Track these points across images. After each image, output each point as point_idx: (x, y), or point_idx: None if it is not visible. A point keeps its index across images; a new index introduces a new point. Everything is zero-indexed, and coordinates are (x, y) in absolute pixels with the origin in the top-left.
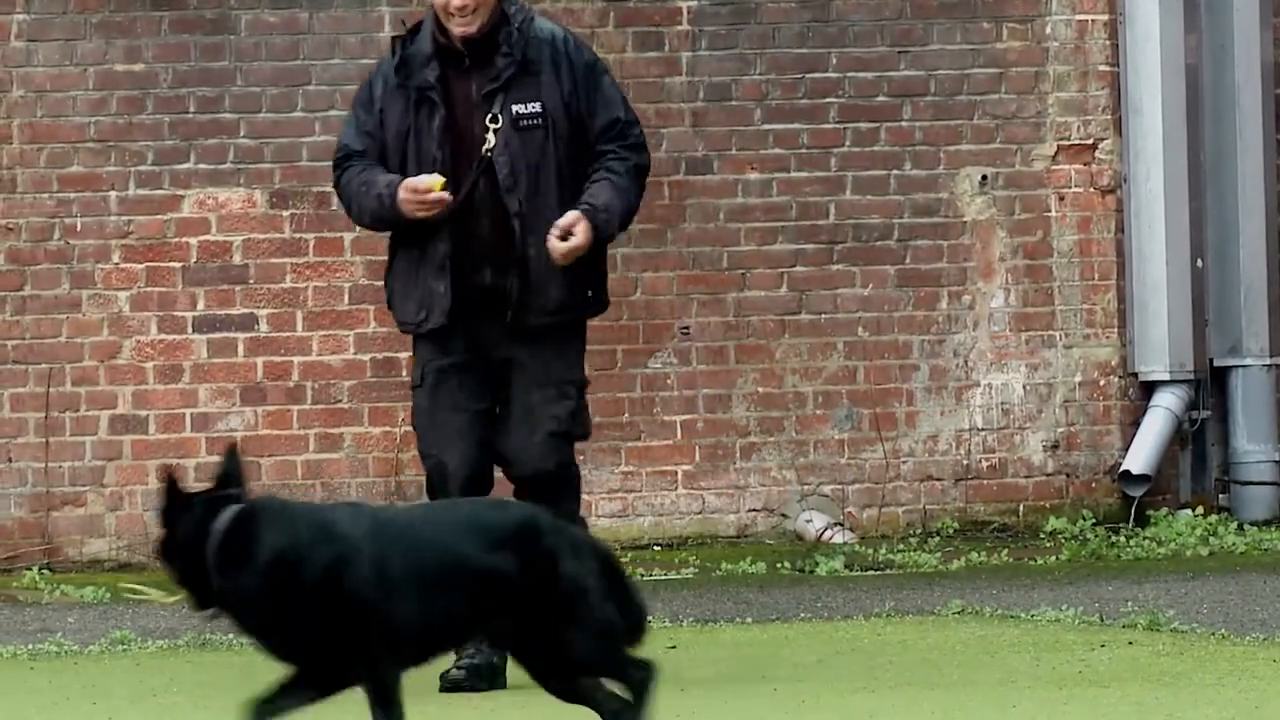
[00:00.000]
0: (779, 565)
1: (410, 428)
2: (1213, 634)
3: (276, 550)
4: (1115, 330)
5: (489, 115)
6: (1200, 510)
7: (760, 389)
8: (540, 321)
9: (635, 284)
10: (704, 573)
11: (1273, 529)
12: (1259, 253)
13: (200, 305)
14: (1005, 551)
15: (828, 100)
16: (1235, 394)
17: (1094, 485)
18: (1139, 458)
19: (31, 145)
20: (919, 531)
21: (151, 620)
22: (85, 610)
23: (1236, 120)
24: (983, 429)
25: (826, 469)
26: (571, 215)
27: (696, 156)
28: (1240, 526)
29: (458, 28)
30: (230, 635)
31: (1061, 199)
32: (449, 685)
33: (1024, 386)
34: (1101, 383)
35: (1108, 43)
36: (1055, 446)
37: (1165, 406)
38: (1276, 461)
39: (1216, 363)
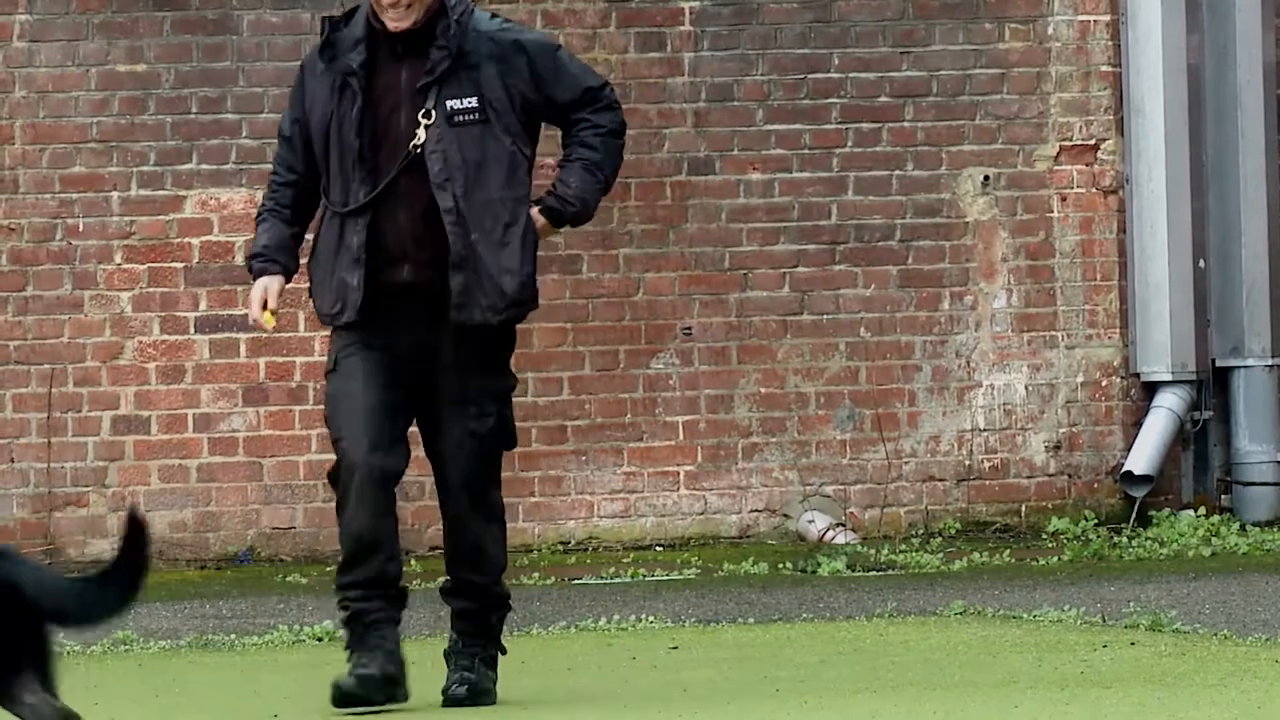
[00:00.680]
0: (781, 566)
1: None
2: (1215, 635)
3: None
4: (1117, 331)
5: (422, 110)
6: (1202, 511)
7: (762, 389)
8: (490, 319)
9: (637, 284)
10: (706, 573)
11: (1275, 529)
12: (1261, 253)
13: (202, 305)
14: (1007, 552)
15: (830, 101)
16: (1237, 394)
17: (1096, 486)
18: (1141, 458)
19: (34, 145)
20: (921, 532)
21: (154, 621)
22: None
23: (1239, 120)
24: (985, 429)
25: (828, 469)
26: (531, 213)
27: (699, 157)
28: (1242, 527)
29: (391, 21)
30: (232, 637)
31: (1064, 199)
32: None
33: (1026, 387)
34: (1103, 383)
35: (1110, 43)
36: (1057, 447)
37: (1167, 407)
38: (1278, 462)
39: (1219, 363)
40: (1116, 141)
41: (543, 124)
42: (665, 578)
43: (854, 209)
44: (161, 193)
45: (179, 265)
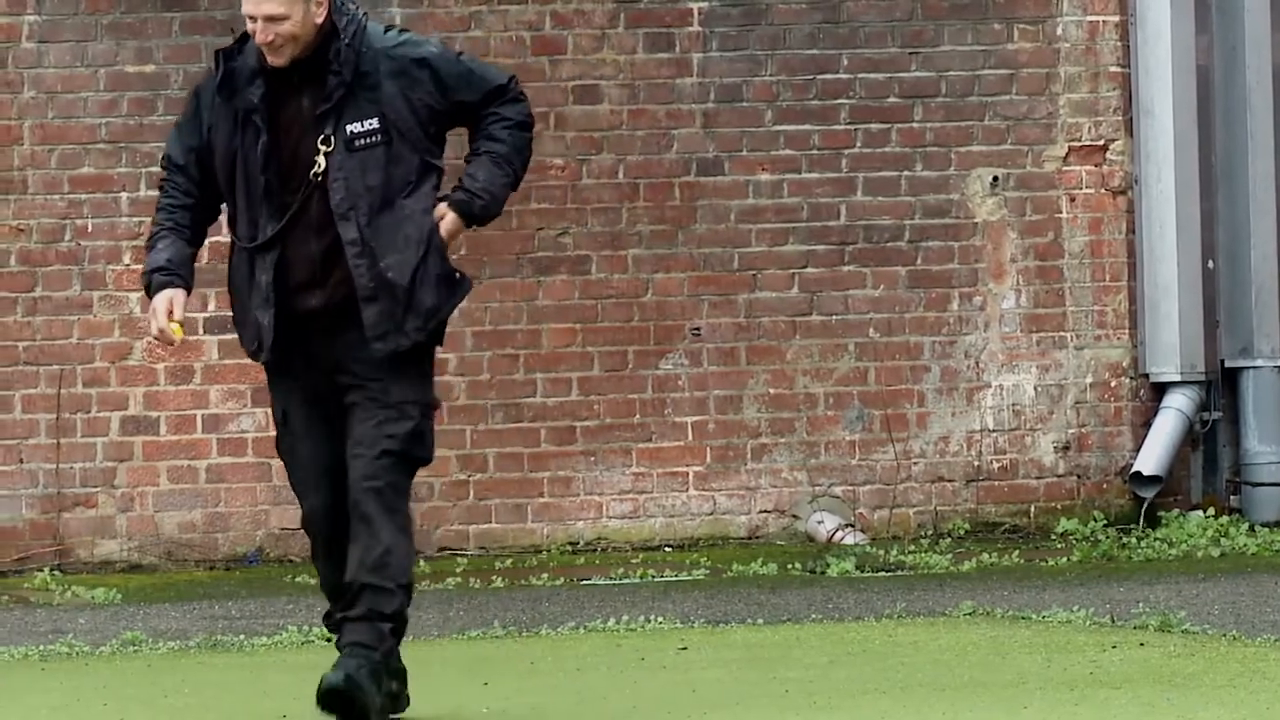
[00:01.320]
0: (790, 566)
1: None
2: (1224, 635)
3: None
4: (1126, 331)
5: (320, 137)
6: (1211, 511)
7: (771, 390)
8: (413, 339)
9: (646, 285)
10: (715, 574)
11: None
12: (1270, 254)
13: (211, 306)
14: (1016, 553)
15: (839, 101)
16: (1246, 395)
17: (1105, 486)
18: (1150, 459)
19: (42, 146)
20: (930, 533)
21: (163, 621)
22: (96, 611)
23: (1248, 122)
24: (994, 430)
25: (837, 470)
26: (439, 209)
27: (707, 157)
28: (1251, 527)
29: (270, 58)
30: (242, 637)
31: (1072, 200)
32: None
33: (1035, 388)
34: (1112, 384)
35: (1119, 44)
36: (1066, 448)
37: (1176, 408)
38: None
39: (1227, 364)
40: (1125, 142)
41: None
42: (674, 578)
43: (863, 209)
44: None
45: None
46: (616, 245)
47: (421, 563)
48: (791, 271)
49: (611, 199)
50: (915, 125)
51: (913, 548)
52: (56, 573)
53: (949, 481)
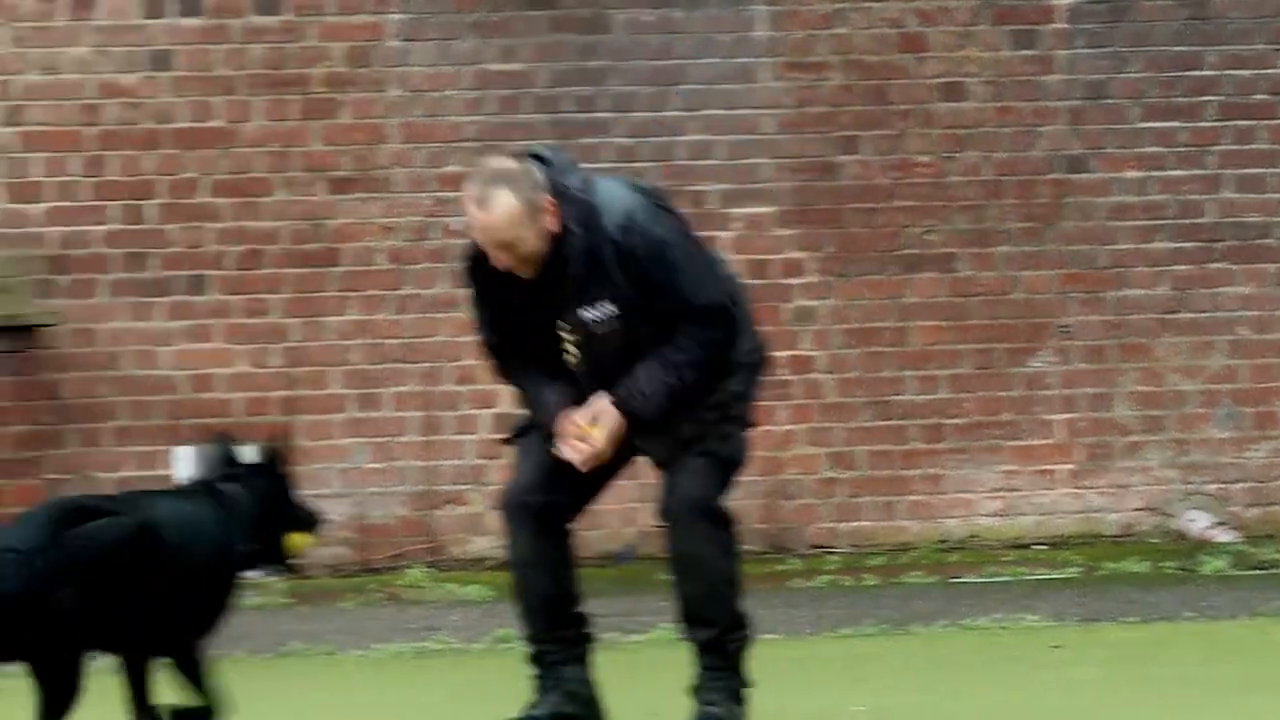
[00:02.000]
0: (1162, 564)
1: None
2: None
3: None
4: None
5: (559, 325)
6: None
7: (1141, 388)
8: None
9: (1014, 282)
10: (1087, 572)
11: None
12: None
13: None
14: None
15: (1206, 98)
16: None
17: None
18: None
19: (409, 145)
20: None
21: None
22: (469, 608)
23: None
24: None
25: (1209, 468)
26: (600, 404)
27: (1074, 155)
28: None
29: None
30: (615, 634)
31: None
32: None
33: None
34: None
35: None
36: None
37: None
38: None
39: None
40: None
41: None
42: (1046, 576)
43: (1231, 207)
44: None
45: None
46: (983, 243)
47: (794, 560)
48: (1160, 269)
49: (977, 196)
50: None
51: None
52: (429, 569)
53: None
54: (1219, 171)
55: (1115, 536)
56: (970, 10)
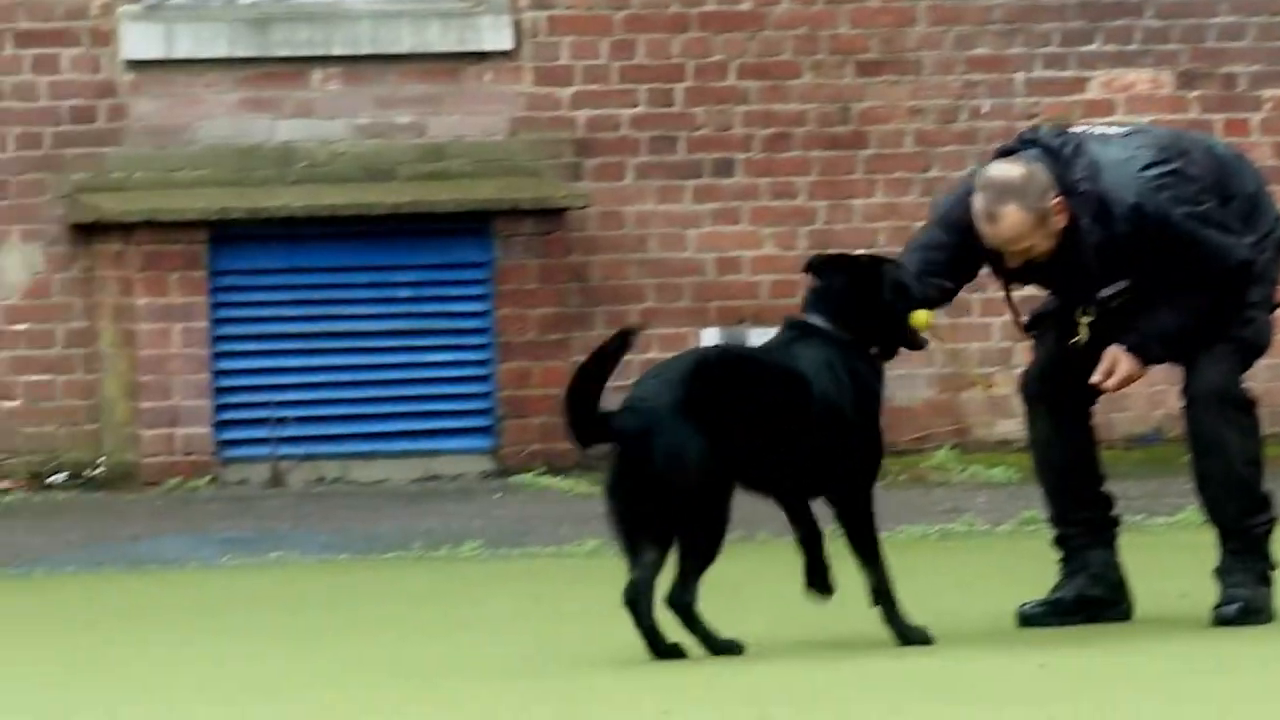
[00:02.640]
0: None
1: None
2: None
3: None
4: None
5: (1079, 310)
6: None
7: None
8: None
9: None
10: None
11: None
12: None
13: None
14: None
15: None
16: None
17: None
18: None
19: (937, 27)
20: None
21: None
22: (995, 491)
23: None
24: None
25: None
26: (1109, 355)
27: None
28: None
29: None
30: (1140, 516)
31: None
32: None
33: None
34: None
35: None
36: None
37: None
38: None
39: None
40: None
41: None
42: None
43: None
44: (1065, 74)
45: None
46: None
47: None
48: None
49: None
50: None
51: None
52: (955, 451)
53: None
54: None
55: None
56: None
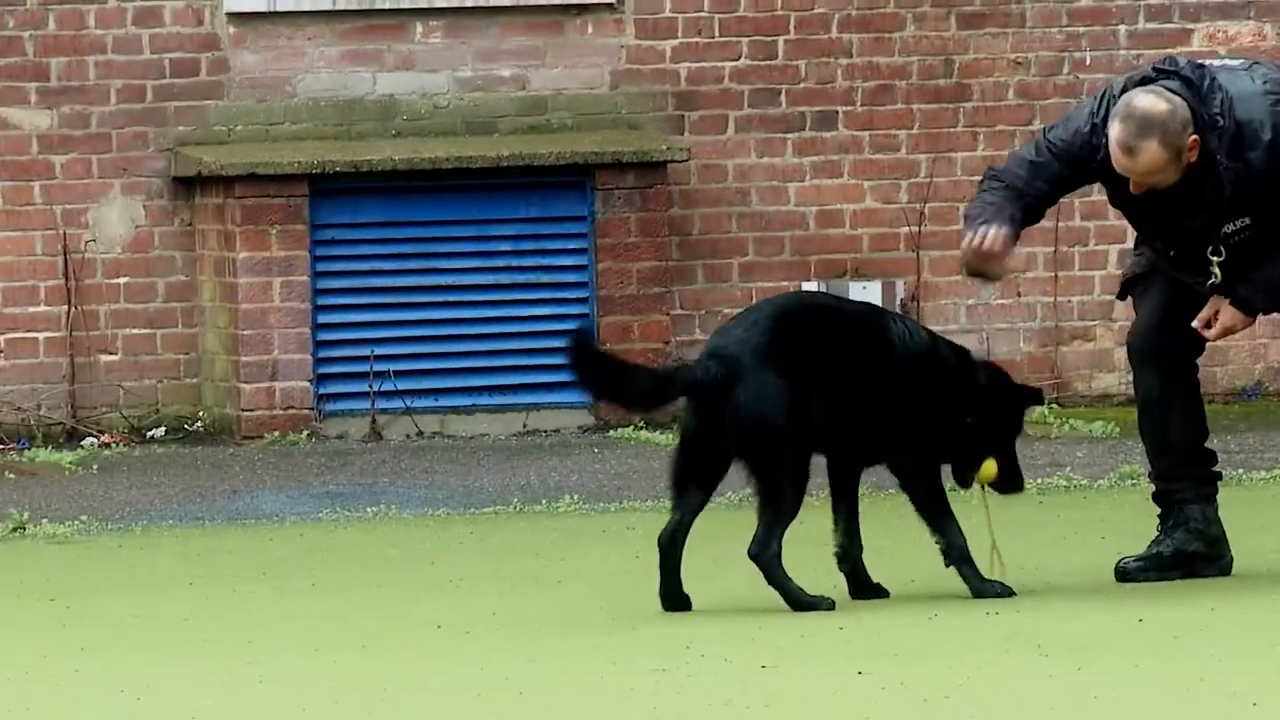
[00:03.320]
0: None
1: None
2: None
3: None
4: None
5: (1210, 249)
6: None
7: None
8: None
9: None
10: None
11: None
12: None
13: None
14: None
15: None
16: None
17: None
18: None
19: None
20: None
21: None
22: (1094, 445)
23: None
24: None
25: None
26: (1211, 304)
27: None
28: None
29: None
30: (1239, 471)
31: None
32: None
33: None
34: None
35: None
36: None
37: None
38: None
39: None
40: None
41: None
42: None
43: None
44: (1169, 26)
45: None
46: None
47: None
48: None
49: None
50: None
51: None
52: (1054, 406)
53: None
54: None
55: None
56: None
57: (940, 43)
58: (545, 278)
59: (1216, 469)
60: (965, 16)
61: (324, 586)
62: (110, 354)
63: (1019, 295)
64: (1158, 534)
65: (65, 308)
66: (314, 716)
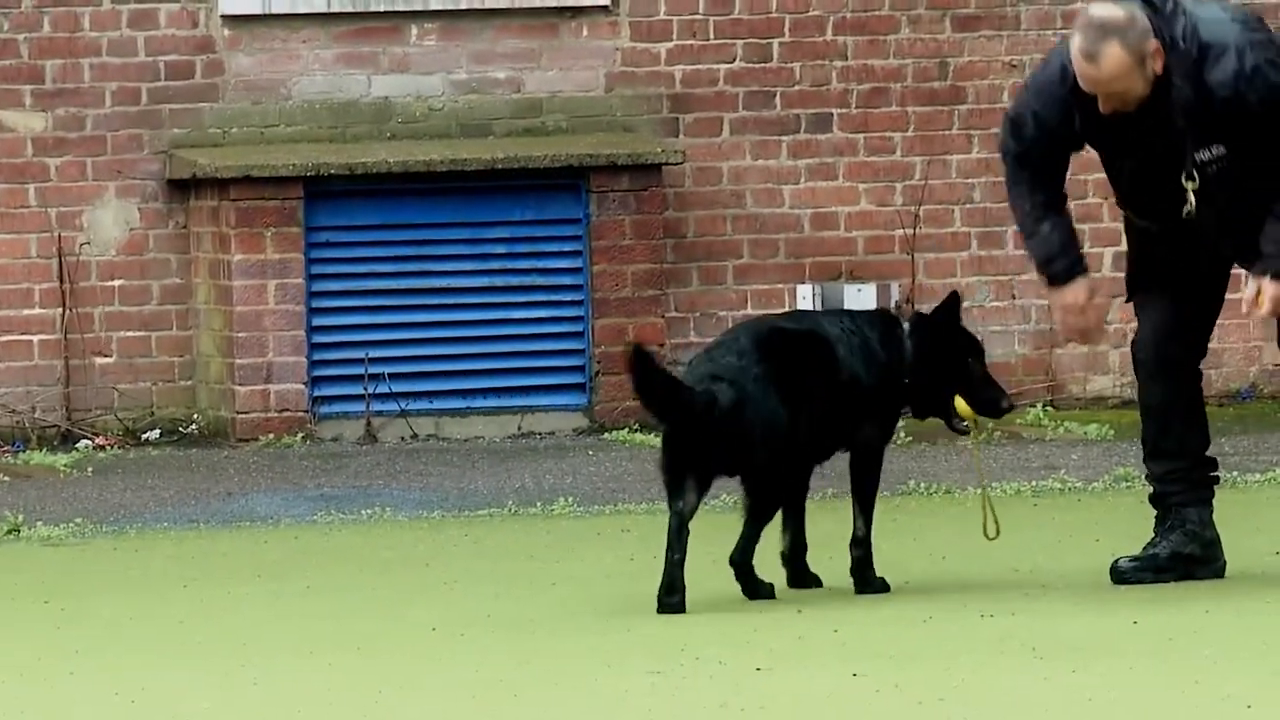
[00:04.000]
0: None
1: None
2: None
3: None
4: None
5: (1183, 174)
6: None
7: None
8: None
9: None
10: None
11: None
12: None
13: None
14: None
15: None
16: None
17: None
18: None
19: None
20: None
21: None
22: (1089, 447)
23: None
24: None
25: None
26: (1253, 286)
27: None
28: None
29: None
30: (1234, 474)
31: None
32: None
33: None
34: None
35: None
36: None
37: None
38: None
39: None
40: None
41: None
42: None
43: None
44: None
45: None
46: None
47: None
48: None
49: None
50: None
51: None
52: (1049, 409)
53: None
54: None
55: None
56: None
57: (935, 45)
58: (540, 280)
59: (1214, 472)
60: (960, 19)
61: (319, 588)
62: (105, 356)
63: (1014, 298)
64: (1154, 535)
65: (60, 310)
66: (309, 718)
